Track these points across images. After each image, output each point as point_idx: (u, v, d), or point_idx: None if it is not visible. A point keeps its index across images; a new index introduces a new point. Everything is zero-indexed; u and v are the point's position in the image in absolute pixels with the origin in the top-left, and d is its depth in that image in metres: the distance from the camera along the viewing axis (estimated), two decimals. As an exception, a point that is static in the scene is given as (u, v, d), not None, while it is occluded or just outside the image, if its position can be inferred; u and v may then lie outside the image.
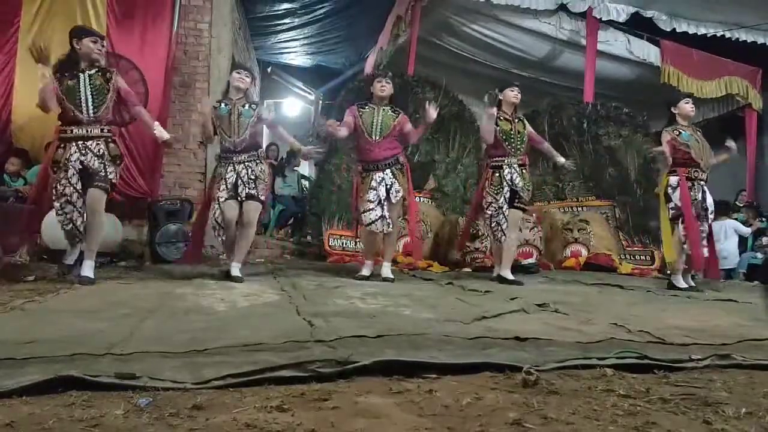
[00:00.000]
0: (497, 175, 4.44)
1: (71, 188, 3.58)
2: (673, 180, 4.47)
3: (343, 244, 6.25)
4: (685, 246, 4.41)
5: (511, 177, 4.42)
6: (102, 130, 3.70)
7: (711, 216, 4.53)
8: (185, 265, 4.75)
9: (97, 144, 3.66)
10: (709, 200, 4.49)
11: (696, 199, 4.42)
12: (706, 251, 4.45)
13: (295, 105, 13.11)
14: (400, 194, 4.29)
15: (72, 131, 3.65)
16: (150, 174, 6.04)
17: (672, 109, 4.64)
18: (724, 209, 7.52)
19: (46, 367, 1.43)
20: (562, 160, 4.75)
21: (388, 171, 4.29)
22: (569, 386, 1.48)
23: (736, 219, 7.51)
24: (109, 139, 3.73)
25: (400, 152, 4.42)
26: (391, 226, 4.26)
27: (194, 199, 6.08)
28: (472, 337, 2.00)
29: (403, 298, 3.20)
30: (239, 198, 4.04)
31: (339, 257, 6.11)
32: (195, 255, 4.47)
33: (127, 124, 5.57)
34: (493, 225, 4.42)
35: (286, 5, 9.20)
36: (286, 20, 9.76)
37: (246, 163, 4.06)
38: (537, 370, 1.54)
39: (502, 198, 4.39)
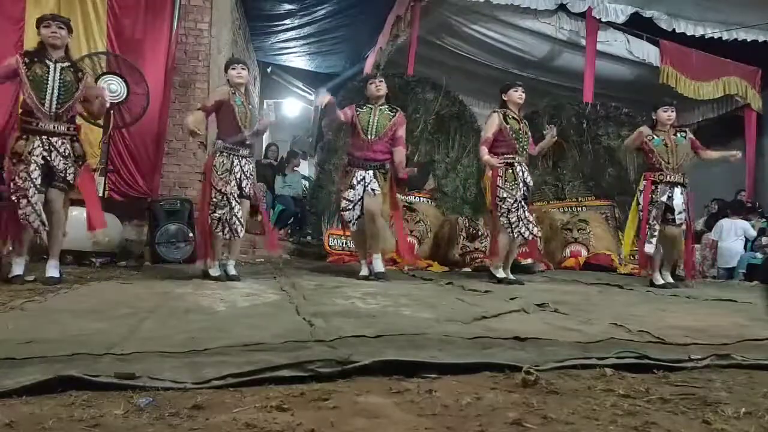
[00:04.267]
0: (510, 171, 4.48)
1: (30, 184, 3.42)
2: (642, 184, 4.74)
3: (343, 244, 6.25)
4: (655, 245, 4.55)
5: (524, 174, 4.51)
6: (68, 128, 3.60)
7: (680, 217, 4.59)
8: (191, 265, 4.80)
9: (63, 143, 3.55)
10: (677, 201, 4.58)
11: (657, 201, 4.58)
12: (651, 247, 4.54)
13: (295, 105, 13.12)
14: (377, 191, 4.31)
15: (37, 124, 3.50)
16: (150, 174, 6.04)
17: (653, 114, 4.82)
18: (738, 209, 7.61)
19: (46, 367, 1.43)
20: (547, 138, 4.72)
21: (370, 171, 4.35)
22: (569, 386, 1.48)
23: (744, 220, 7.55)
24: (74, 138, 3.63)
25: (389, 159, 4.46)
26: (355, 226, 4.36)
27: (194, 199, 6.08)
28: (472, 337, 2.00)
29: (403, 298, 3.20)
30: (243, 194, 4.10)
31: (339, 257, 6.11)
32: (204, 252, 4.22)
33: (128, 125, 5.61)
34: (513, 220, 4.41)
35: (286, 6, 9.19)
36: (286, 20, 9.76)
37: (247, 158, 4.11)
38: (537, 370, 1.54)
39: (519, 193, 4.43)
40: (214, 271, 4.00)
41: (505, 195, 4.44)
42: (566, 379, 1.55)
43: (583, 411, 1.27)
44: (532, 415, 1.24)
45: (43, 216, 3.47)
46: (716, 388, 1.51)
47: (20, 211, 3.43)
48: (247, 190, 4.08)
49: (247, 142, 4.08)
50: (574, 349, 1.85)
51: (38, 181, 3.45)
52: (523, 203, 4.45)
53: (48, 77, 3.52)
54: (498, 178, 4.48)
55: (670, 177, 4.62)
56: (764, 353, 1.87)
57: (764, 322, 2.57)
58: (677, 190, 4.60)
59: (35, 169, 3.44)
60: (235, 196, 3.97)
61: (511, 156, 4.51)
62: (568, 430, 1.16)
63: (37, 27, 3.62)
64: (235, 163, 4.00)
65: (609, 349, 1.83)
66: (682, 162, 4.68)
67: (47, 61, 3.56)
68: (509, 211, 4.42)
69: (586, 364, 1.68)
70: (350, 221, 4.38)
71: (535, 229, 4.48)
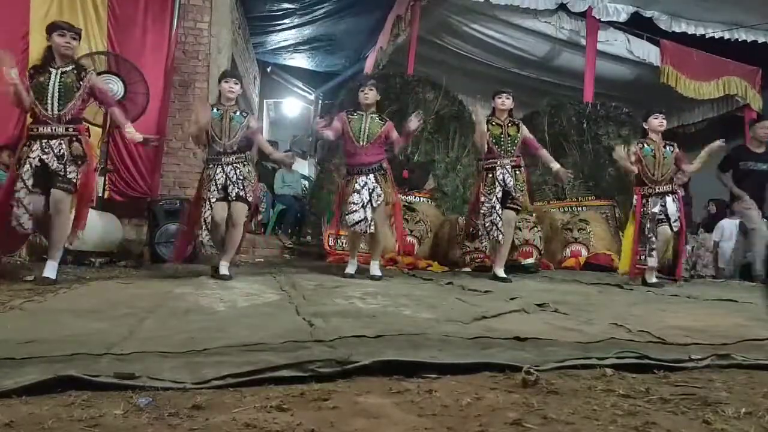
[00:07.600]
0: (490, 176, 4.71)
1: (22, 184, 3.47)
2: (634, 198, 4.82)
3: (342, 243, 6.24)
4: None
5: (503, 177, 4.67)
6: (66, 128, 3.58)
7: (675, 224, 4.63)
8: (182, 264, 4.79)
9: (60, 144, 3.54)
10: (671, 209, 4.62)
11: (648, 213, 4.63)
12: (654, 261, 4.59)
13: (294, 105, 13.12)
14: (382, 198, 4.41)
15: (37, 129, 3.56)
16: (150, 174, 6.05)
17: (644, 124, 4.87)
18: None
19: (46, 367, 1.43)
20: (557, 166, 4.86)
21: (371, 176, 4.43)
22: (569, 386, 1.47)
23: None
24: (74, 138, 3.60)
25: (383, 159, 4.56)
26: (373, 227, 4.37)
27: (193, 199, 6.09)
28: (472, 337, 1.99)
29: (403, 298, 3.20)
30: (229, 198, 4.14)
31: (339, 257, 6.10)
32: (182, 253, 4.46)
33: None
34: (486, 224, 4.66)
35: (286, 5, 9.20)
36: (286, 20, 9.76)
37: (234, 164, 4.18)
38: (537, 370, 1.53)
39: (494, 197, 4.62)
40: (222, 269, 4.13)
41: (483, 199, 4.71)
42: (566, 379, 1.55)
43: (583, 411, 1.27)
44: (532, 415, 1.24)
45: (30, 219, 3.46)
46: (716, 388, 1.51)
47: (14, 212, 3.45)
48: (233, 193, 4.11)
49: (228, 151, 4.16)
50: (575, 349, 1.85)
51: (30, 182, 3.47)
52: (496, 208, 4.58)
53: (49, 82, 3.56)
54: (481, 184, 4.77)
55: (659, 188, 4.67)
56: (764, 353, 1.87)
57: (764, 322, 2.57)
58: (668, 199, 4.66)
59: (27, 170, 3.48)
60: (211, 200, 4.07)
61: (494, 160, 4.71)
62: (569, 430, 1.16)
63: (49, 33, 3.61)
64: (218, 171, 4.13)
65: (609, 349, 1.83)
66: (668, 173, 4.69)
67: (50, 69, 3.60)
68: (485, 215, 4.67)
69: (586, 364, 1.68)
70: (356, 223, 4.35)
71: (501, 236, 4.57)
